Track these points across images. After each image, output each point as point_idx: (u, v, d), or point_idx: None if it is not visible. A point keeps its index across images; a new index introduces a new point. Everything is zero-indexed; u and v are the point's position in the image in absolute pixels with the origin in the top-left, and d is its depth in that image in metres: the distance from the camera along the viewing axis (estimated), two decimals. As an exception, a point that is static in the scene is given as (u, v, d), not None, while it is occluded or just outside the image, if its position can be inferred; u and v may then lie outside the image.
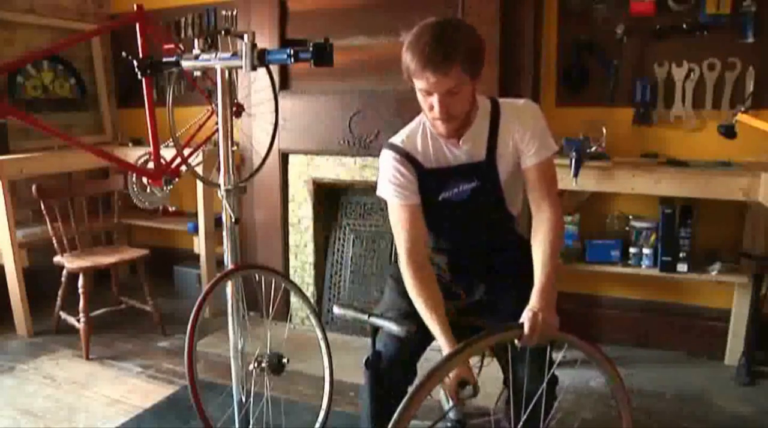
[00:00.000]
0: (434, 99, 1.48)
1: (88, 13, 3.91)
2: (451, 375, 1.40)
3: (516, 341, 1.37)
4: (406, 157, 1.63)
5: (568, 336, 1.40)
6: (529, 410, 1.39)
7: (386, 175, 1.64)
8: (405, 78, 1.51)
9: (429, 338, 1.66)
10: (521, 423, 1.41)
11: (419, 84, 1.48)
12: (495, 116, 1.61)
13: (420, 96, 1.52)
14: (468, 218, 1.67)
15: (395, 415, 1.15)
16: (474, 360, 1.55)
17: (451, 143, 1.62)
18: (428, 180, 1.64)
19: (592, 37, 2.83)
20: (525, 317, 1.36)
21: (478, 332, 1.30)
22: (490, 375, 1.67)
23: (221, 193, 2.04)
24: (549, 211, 1.55)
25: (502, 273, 1.72)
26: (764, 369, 2.64)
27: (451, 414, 1.95)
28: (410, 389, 1.21)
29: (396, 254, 1.74)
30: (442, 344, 1.48)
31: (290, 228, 3.31)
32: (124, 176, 3.03)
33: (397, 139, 1.67)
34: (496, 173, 1.62)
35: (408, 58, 1.46)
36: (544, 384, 1.39)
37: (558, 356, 1.48)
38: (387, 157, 1.66)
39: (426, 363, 1.38)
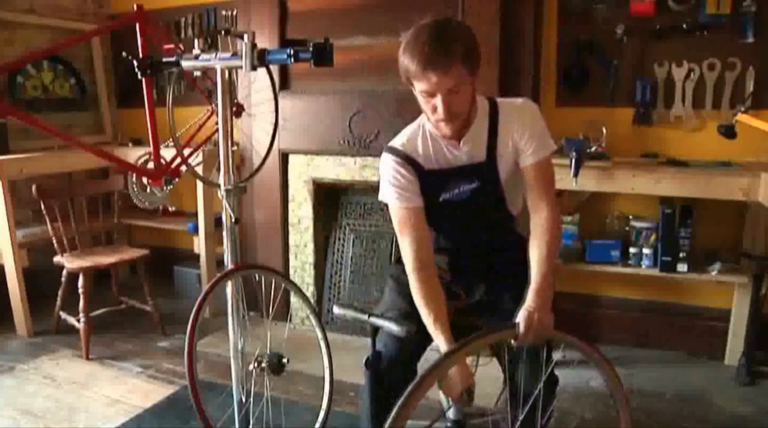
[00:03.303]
0: (437, 100, 1.47)
1: (88, 13, 3.92)
2: (451, 375, 1.40)
3: (512, 341, 1.37)
4: (406, 159, 1.62)
5: (566, 335, 1.40)
6: (527, 409, 1.39)
7: (387, 178, 1.64)
8: (404, 81, 1.51)
9: (429, 338, 1.65)
10: (519, 423, 1.42)
11: (420, 86, 1.47)
12: (494, 116, 1.61)
13: (421, 98, 1.52)
14: (468, 218, 1.67)
15: (393, 413, 1.15)
16: (469, 360, 1.55)
17: (451, 145, 1.61)
18: (429, 181, 1.64)
19: (592, 37, 2.83)
20: (520, 317, 1.36)
21: (477, 332, 1.30)
22: (489, 375, 1.66)
23: (221, 193, 2.04)
24: (546, 211, 1.55)
25: (502, 273, 1.71)
26: (764, 369, 2.64)
27: (451, 415, 1.96)
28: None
29: (396, 254, 1.74)
30: (443, 350, 1.46)
31: (290, 228, 3.31)
32: (124, 176, 3.03)
33: (396, 142, 1.67)
34: (496, 173, 1.62)
35: (407, 61, 1.45)
36: (541, 385, 1.39)
37: (556, 356, 1.48)
38: (387, 160, 1.65)
39: (426, 363, 1.37)
